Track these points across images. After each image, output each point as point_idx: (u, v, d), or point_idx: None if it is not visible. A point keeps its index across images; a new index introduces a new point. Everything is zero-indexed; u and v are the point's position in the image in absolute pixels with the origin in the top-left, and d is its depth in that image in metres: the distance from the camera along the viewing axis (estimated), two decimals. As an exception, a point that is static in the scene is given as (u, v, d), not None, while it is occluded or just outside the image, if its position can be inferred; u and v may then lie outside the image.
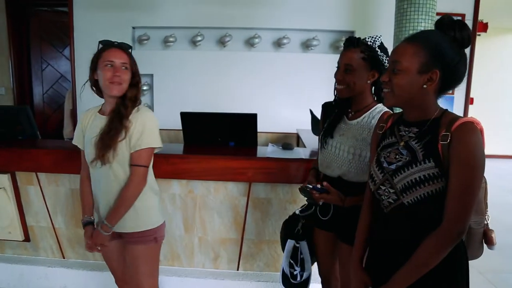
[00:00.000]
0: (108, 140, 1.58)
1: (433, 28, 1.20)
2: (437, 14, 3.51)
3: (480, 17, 4.66)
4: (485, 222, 1.24)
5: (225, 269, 2.45)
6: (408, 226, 1.17)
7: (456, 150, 1.07)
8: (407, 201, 1.14)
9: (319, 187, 1.55)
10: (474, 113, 4.42)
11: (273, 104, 4.37)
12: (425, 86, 1.13)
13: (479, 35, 5.59)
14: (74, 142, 1.75)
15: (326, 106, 1.75)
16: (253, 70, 4.41)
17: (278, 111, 4.36)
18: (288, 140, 3.35)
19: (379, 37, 1.54)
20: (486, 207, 1.24)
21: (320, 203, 1.60)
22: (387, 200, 1.21)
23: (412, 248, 1.12)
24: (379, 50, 1.53)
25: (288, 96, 4.41)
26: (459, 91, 4.38)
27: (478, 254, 1.26)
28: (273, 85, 4.41)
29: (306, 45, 4.39)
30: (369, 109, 1.57)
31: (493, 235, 1.23)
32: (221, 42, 4.39)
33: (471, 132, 1.07)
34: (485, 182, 1.21)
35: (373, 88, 1.60)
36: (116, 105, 1.63)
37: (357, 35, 1.60)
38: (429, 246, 1.10)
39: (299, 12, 4.29)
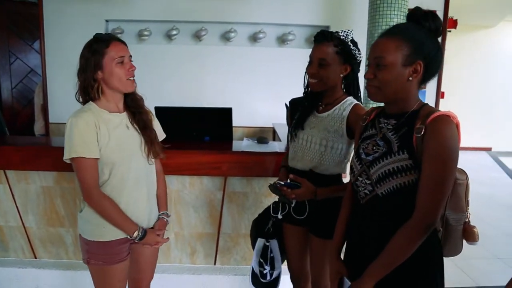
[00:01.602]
0: (153, 134, 1.61)
1: (405, 22, 1.20)
2: (409, 10, 3.59)
3: (450, 14, 4.79)
4: (466, 220, 1.23)
5: (202, 264, 2.45)
6: (383, 218, 1.18)
7: (429, 143, 1.07)
8: (381, 192, 1.15)
9: (290, 183, 1.55)
10: (444, 107, 4.55)
11: (249, 99, 4.37)
12: (410, 78, 1.13)
13: (449, 31, 5.74)
14: (89, 155, 1.41)
15: (293, 103, 1.76)
16: (229, 64, 4.40)
17: (254, 105, 4.37)
18: (264, 134, 3.36)
19: (351, 32, 1.55)
20: (468, 204, 1.22)
21: (293, 203, 1.61)
22: (363, 191, 1.22)
23: (386, 240, 1.13)
24: (351, 44, 1.54)
25: (264, 91, 4.42)
26: (431, 85, 4.50)
27: (457, 251, 1.25)
28: (249, 80, 4.41)
29: (282, 40, 4.40)
30: (340, 102, 1.58)
31: (475, 230, 1.22)
32: (197, 36, 4.35)
33: (445, 125, 1.07)
34: (467, 179, 1.21)
35: (343, 81, 1.61)
36: (132, 100, 1.58)
37: (331, 30, 1.60)
38: (400, 239, 1.10)
39: (275, 6, 4.30)
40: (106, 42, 1.45)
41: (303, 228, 1.68)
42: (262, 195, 2.31)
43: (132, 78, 1.51)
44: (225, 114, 2.43)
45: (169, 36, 4.34)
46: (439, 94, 4.70)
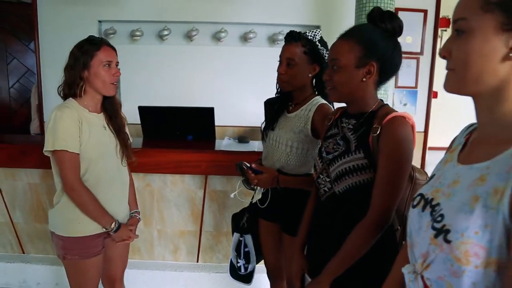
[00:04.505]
0: (126, 138, 1.71)
1: (364, 23, 1.24)
2: (397, 9, 3.59)
3: (443, 13, 4.77)
4: None
5: (185, 261, 2.49)
6: (340, 215, 1.21)
7: (384, 143, 1.10)
8: (338, 190, 1.19)
9: (256, 169, 1.60)
10: (437, 106, 4.55)
11: (240, 98, 4.39)
12: (364, 79, 1.16)
13: (444, 30, 5.72)
14: (72, 149, 1.49)
15: (268, 103, 1.80)
16: (220, 64, 4.42)
17: (245, 105, 4.38)
18: (254, 134, 3.40)
19: (319, 32, 1.59)
20: None
21: (256, 190, 1.64)
22: (323, 188, 1.26)
23: (343, 237, 1.16)
24: (319, 44, 1.57)
25: (255, 90, 4.42)
26: (423, 85, 4.50)
27: None
28: (240, 79, 4.43)
29: (273, 39, 4.42)
30: (307, 102, 1.61)
31: None
32: (188, 37, 4.37)
33: (400, 126, 1.10)
34: (427, 179, 1.24)
35: (314, 81, 1.64)
36: (110, 103, 1.67)
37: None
38: (355, 237, 1.13)
39: (265, 7, 4.32)
40: (98, 45, 1.57)
41: (276, 224, 1.72)
42: (242, 194, 2.34)
43: (115, 83, 1.59)
44: (207, 113, 2.47)
45: (160, 37, 4.37)
46: (431, 94, 4.69)
